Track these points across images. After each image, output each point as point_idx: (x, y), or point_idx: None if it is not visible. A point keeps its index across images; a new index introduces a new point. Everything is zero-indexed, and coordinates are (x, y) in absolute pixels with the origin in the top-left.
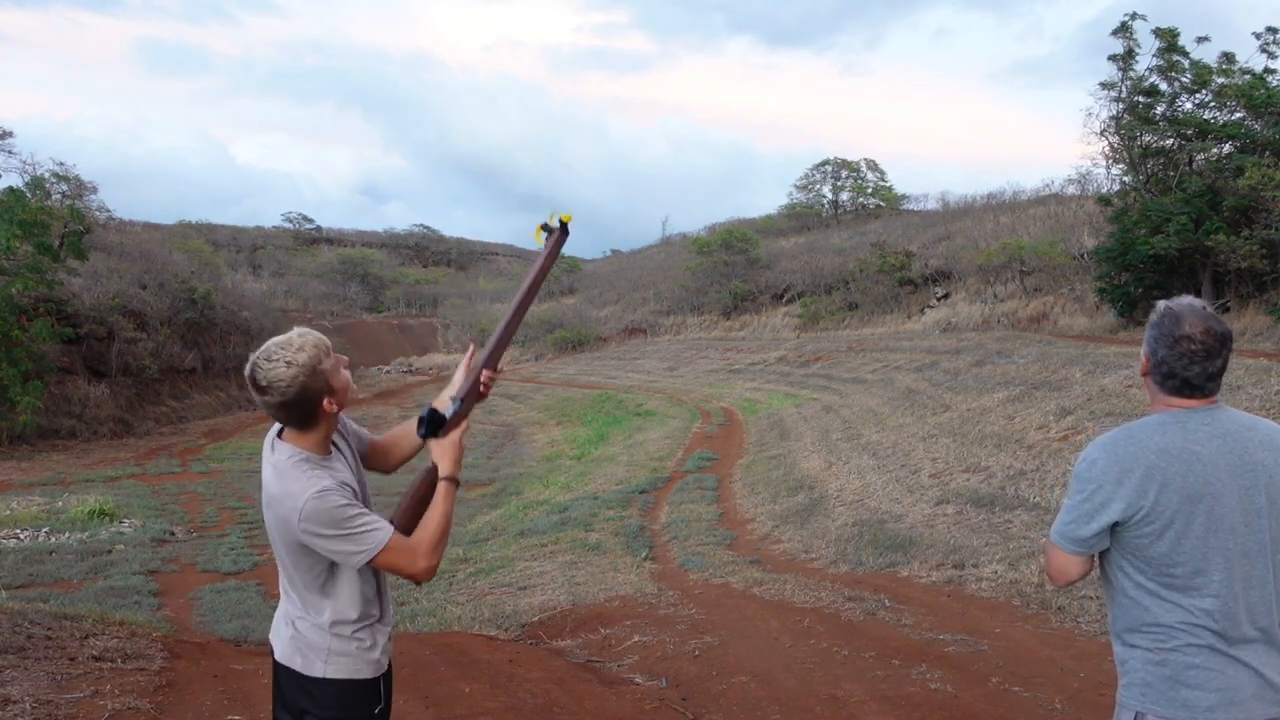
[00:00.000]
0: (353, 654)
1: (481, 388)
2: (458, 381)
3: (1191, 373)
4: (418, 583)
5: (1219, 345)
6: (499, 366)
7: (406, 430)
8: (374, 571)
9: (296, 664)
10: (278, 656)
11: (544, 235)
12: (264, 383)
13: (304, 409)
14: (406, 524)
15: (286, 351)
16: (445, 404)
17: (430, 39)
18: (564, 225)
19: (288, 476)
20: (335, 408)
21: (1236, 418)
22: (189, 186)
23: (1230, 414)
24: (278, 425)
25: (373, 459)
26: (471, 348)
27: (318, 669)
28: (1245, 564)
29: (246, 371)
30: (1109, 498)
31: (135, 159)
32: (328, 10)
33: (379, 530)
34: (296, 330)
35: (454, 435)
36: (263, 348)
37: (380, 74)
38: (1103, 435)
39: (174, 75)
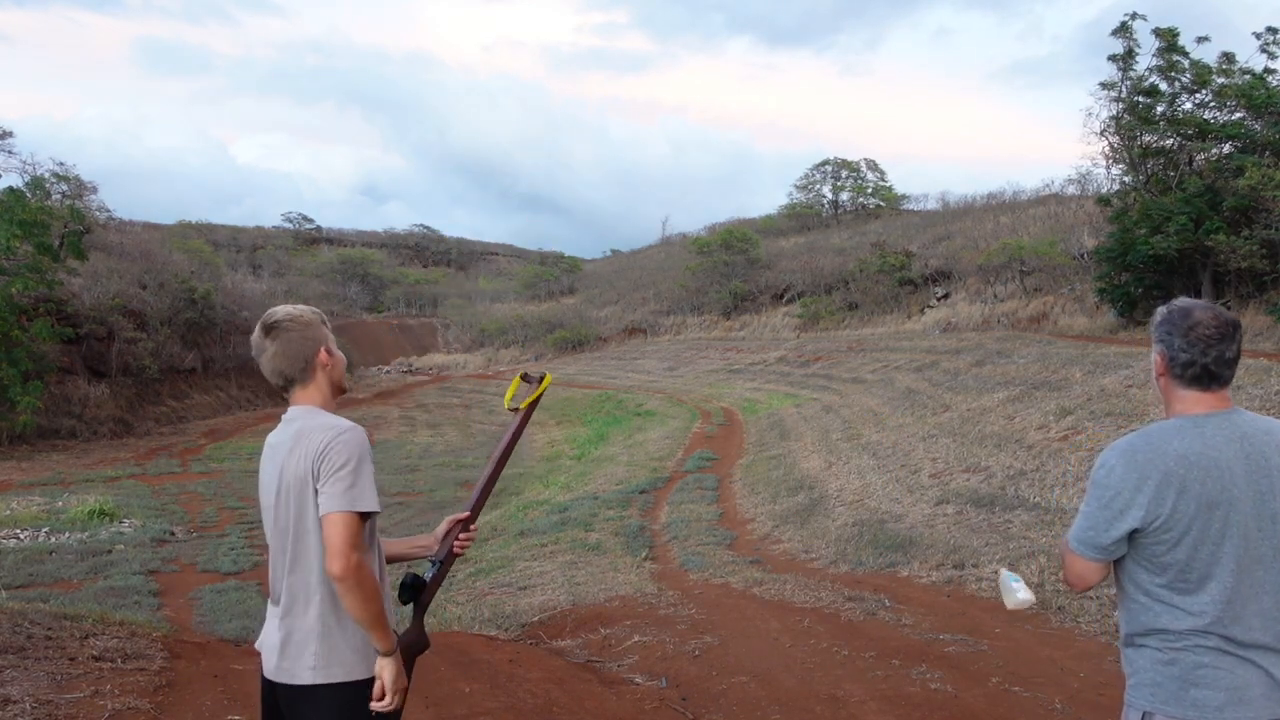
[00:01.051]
0: (345, 650)
1: (458, 548)
2: (439, 534)
3: (1210, 357)
4: (326, 565)
5: (1231, 329)
6: (475, 525)
7: (397, 545)
8: (376, 552)
9: (287, 677)
10: (269, 673)
11: (523, 383)
12: (272, 320)
13: (304, 351)
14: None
15: (291, 305)
16: (425, 565)
17: (430, 39)
18: (542, 379)
19: (322, 414)
20: (329, 363)
21: (1253, 421)
22: (189, 186)
23: (1247, 417)
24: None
25: None
26: (468, 511)
27: (307, 675)
28: (1258, 569)
29: (259, 325)
30: (1128, 504)
31: (135, 159)
32: (327, 10)
33: (367, 501)
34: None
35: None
36: (271, 308)
37: (380, 74)
38: (1120, 440)
39: (174, 75)
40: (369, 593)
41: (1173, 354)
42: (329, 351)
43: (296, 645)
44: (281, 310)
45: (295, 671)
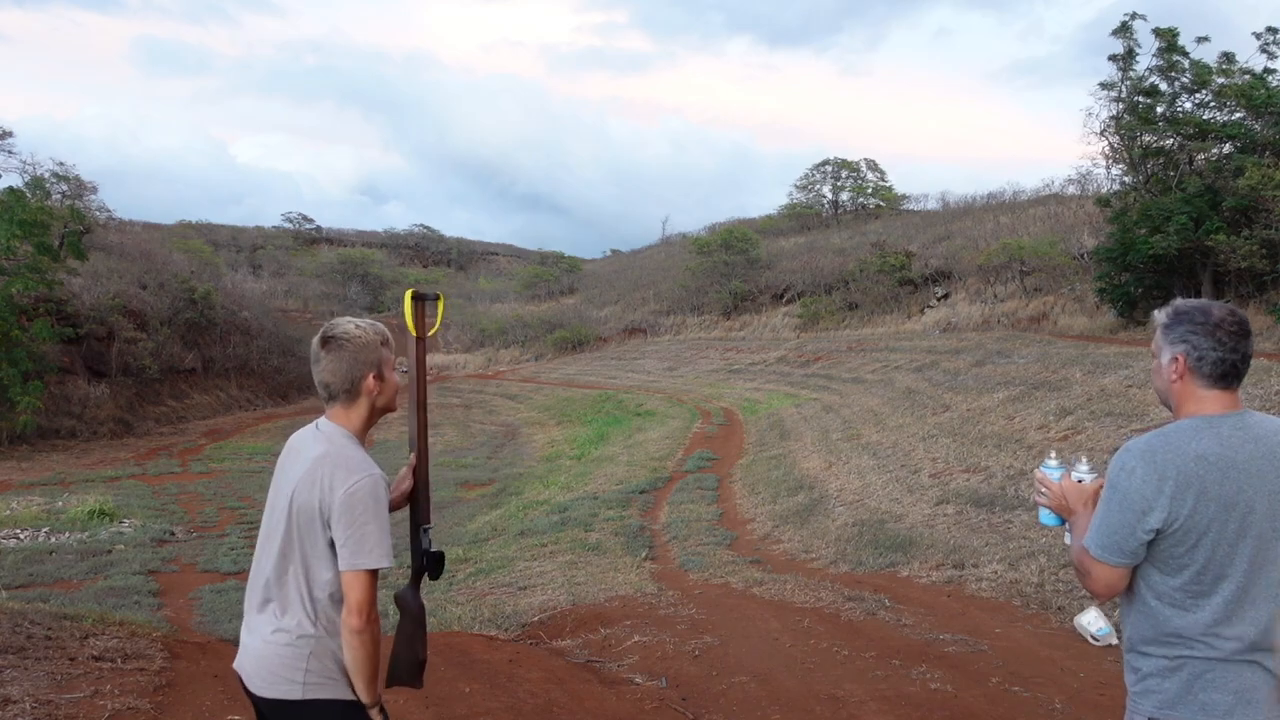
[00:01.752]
0: (334, 668)
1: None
2: (405, 488)
3: (1237, 355)
4: (348, 624)
5: (1248, 326)
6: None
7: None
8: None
9: (277, 691)
10: (255, 689)
11: (415, 303)
12: (331, 333)
13: (353, 374)
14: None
15: (357, 321)
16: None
17: (429, 39)
18: (437, 297)
19: (349, 448)
20: (376, 390)
21: (1265, 422)
22: (189, 186)
23: (1258, 418)
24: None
25: None
26: (412, 457)
27: (296, 691)
28: (1271, 570)
29: (318, 335)
30: (1149, 506)
31: (135, 158)
32: (326, 10)
33: (377, 558)
34: (371, 320)
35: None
36: (338, 318)
37: (379, 74)
38: (1136, 441)
39: (173, 75)
40: (373, 647)
41: (1200, 353)
42: (380, 377)
43: (289, 660)
44: (342, 325)
45: (286, 688)
